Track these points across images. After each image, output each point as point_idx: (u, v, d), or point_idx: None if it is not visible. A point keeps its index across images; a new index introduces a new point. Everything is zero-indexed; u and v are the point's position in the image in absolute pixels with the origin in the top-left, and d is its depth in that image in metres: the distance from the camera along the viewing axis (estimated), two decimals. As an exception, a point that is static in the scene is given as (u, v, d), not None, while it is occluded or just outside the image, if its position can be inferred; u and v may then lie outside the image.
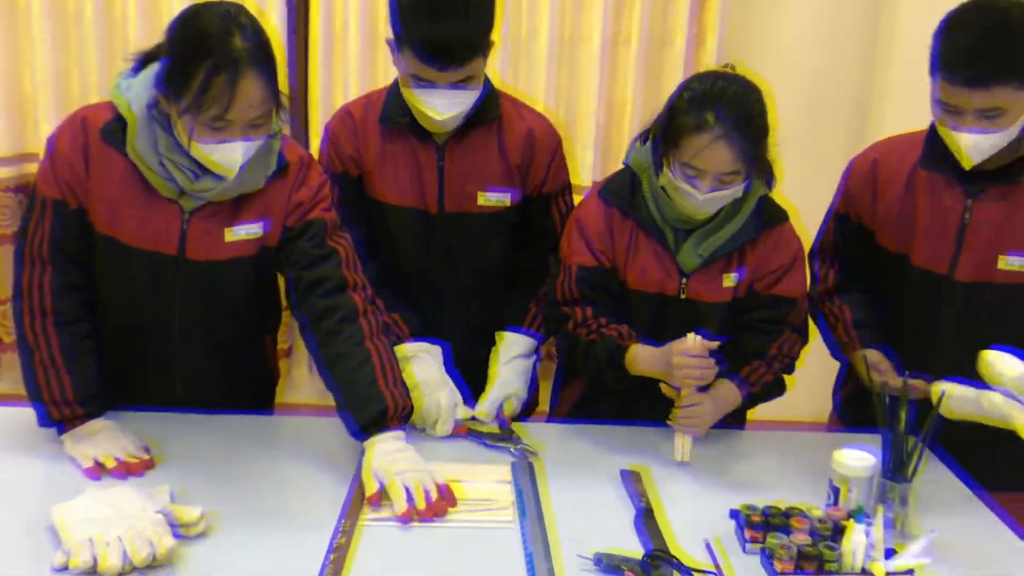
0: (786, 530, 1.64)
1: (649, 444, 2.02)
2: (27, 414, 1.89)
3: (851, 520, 1.61)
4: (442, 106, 2.03)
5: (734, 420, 2.13)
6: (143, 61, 1.82)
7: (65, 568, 1.46)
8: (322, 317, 1.92)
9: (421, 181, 2.18)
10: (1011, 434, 1.72)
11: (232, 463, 1.85)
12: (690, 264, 2.02)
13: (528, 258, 2.30)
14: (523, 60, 3.33)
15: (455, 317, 2.27)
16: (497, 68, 3.26)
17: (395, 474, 1.73)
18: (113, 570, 1.45)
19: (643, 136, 2.07)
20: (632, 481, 1.87)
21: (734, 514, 1.71)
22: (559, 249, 2.13)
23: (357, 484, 1.78)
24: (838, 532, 1.64)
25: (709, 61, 3.32)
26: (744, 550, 1.65)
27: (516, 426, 2.09)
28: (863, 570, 1.57)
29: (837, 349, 2.25)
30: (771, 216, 2.05)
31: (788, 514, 1.69)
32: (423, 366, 2.15)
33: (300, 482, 1.81)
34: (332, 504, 1.72)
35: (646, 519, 1.72)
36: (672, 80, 3.30)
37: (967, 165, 1.94)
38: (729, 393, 2.03)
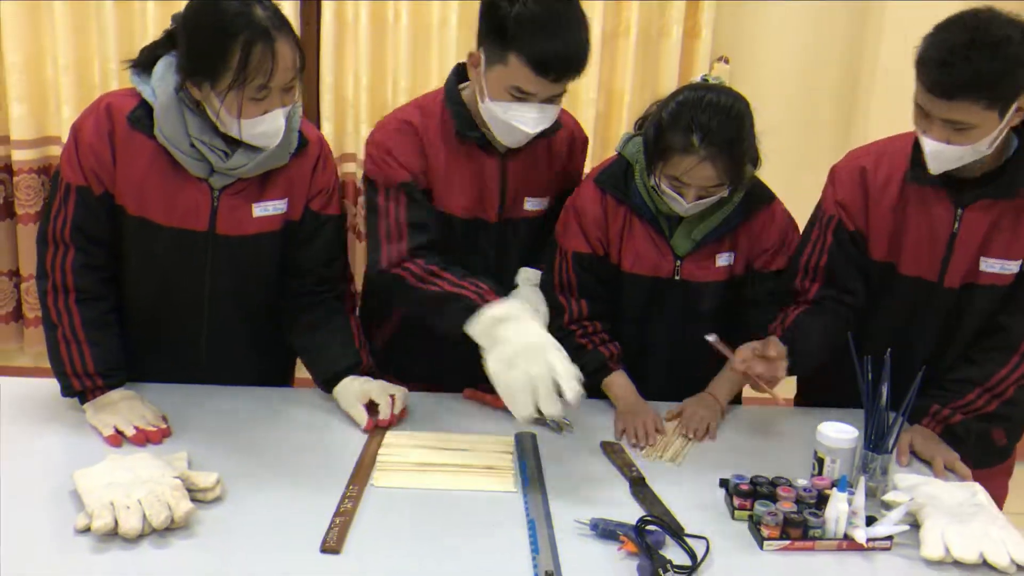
0: (772, 498, 1.69)
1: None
2: (50, 385, 1.95)
3: (834, 489, 1.65)
4: (533, 121, 1.96)
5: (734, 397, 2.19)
6: (149, 53, 1.86)
7: (87, 530, 1.50)
8: (306, 310, 2.06)
9: (483, 193, 2.13)
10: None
11: (245, 432, 1.90)
12: (683, 248, 2.07)
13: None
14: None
15: None
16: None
17: (377, 394, 1.95)
18: (133, 532, 1.48)
19: (636, 128, 2.12)
20: (608, 452, 1.92)
21: (723, 483, 1.76)
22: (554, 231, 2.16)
23: (362, 452, 1.84)
24: (821, 501, 1.68)
25: (703, 53, 3.41)
26: (732, 517, 1.70)
27: None
28: (844, 536, 1.62)
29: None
30: (759, 198, 2.10)
31: (774, 483, 1.73)
32: (522, 327, 1.80)
33: (309, 450, 1.86)
34: (340, 471, 1.77)
35: (641, 488, 1.77)
36: (667, 71, 3.42)
37: (931, 171, 1.90)
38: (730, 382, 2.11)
